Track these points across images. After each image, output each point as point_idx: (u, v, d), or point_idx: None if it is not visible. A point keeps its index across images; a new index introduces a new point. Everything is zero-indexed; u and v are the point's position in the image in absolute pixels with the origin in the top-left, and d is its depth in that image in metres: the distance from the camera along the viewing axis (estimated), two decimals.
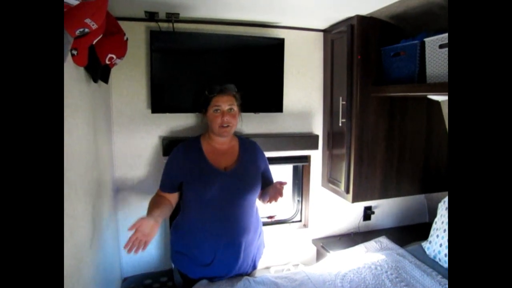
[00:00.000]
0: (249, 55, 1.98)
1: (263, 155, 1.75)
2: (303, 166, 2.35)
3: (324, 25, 2.09)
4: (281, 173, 2.40)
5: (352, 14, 1.82)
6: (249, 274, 1.71)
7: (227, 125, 1.56)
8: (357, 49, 1.85)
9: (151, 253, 2.07)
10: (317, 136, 2.23)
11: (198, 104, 1.65)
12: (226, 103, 1.56)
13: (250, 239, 1.63)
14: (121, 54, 1.52)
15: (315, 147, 2.24)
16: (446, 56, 1.43)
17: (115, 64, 1.53)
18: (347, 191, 2.01)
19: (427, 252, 1.88)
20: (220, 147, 1.64)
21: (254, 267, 1.74)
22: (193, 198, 1.57)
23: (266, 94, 2.05)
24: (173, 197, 1.62)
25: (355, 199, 1.99)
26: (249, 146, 1.72)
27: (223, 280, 1.59)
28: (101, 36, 1.17)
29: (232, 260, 1.59)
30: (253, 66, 2.00)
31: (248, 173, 1.63)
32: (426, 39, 1.54)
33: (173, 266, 1.75)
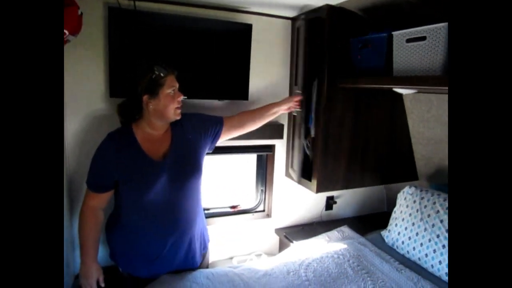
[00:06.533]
0: (215, 40, 1.88)
1: (198, 118, 1.63)
2: (267, 155, 2.32)
3: (293, 13, 2.05)
4: (245, 162, 2.37)
5: (322, 3, 1.79)
6: (201, 262, 1.66)
7: (180, 105, 1.48)
8: (325, 39, 1.83)
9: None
10: (282, 125, 2.21)
11: (141, 89, 1.40)
12: (177, 83, 1.47)
13: (197, 228, 1.59)
14: (74, 30, 1.38)
15: (280, 136, 2.21)
16: (413, 51, 1.45)
17: (67, 41, 1.38)
18: (311, 182, 2.02)
19: (386, 240, 1.96)
20: (159, 134, 1.50)
21: (205, 248, 1.70)
22: (133, 198, 1.44)
23: (232, 81, 1.98)
24: (107, 197, 1.50)
25: (320, 189, 2.00)
26: (179, 121, 1.53)
27: (184, 273, 1.55)
28: None
29: (181, 255, 1.53)
30: (219, 51, 1.91)
31: (189, 154, 1.53)
32: (394, 33, 1.55)
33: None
